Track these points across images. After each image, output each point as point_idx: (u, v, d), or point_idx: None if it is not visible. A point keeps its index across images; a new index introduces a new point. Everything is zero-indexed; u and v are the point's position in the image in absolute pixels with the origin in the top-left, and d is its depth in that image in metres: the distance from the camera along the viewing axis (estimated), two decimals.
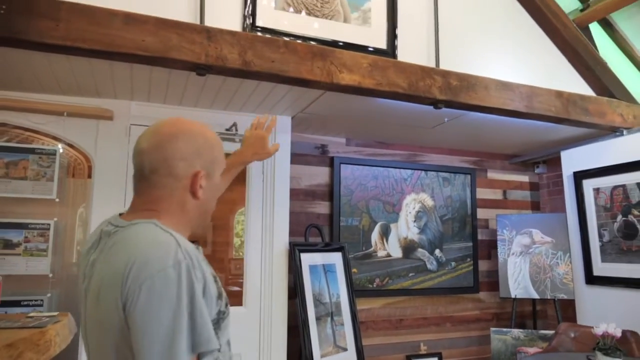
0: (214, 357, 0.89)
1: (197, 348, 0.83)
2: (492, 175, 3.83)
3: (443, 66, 2.54)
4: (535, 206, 3.97)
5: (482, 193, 3.74)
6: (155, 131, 1.02)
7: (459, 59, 2.64)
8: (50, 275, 2.16)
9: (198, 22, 2.06)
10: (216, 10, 2.13)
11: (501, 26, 2.83)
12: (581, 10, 2.97)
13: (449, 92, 2.43)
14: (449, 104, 2.48)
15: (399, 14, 2.52)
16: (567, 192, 3.40)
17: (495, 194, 3.82)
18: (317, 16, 2.34)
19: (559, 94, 2.75)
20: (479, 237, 3.62)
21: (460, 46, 2.67)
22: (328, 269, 2.77)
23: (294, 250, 2.63)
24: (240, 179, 2.85)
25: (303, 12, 2.31)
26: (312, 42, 2.26)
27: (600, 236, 3.16)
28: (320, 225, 3.05)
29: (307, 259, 2.67)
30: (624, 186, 3.04)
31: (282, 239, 2.70)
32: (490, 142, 3.51)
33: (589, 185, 3.24)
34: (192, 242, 0.94)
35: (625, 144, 3.05)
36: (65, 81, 2.21)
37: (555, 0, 2.89)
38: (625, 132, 3.03)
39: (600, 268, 3.15)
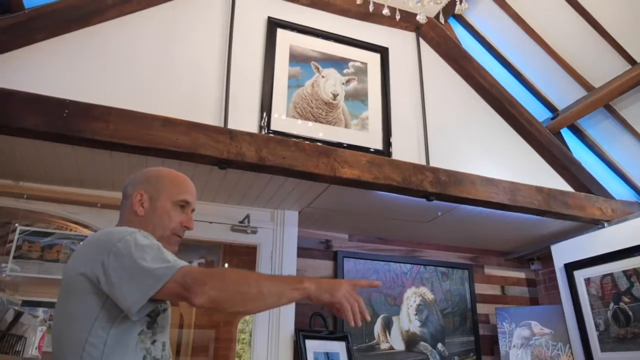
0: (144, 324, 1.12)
1: (177, 264, 1.06)
2: (489, 271, 4.00)
3: (433, 164, 2.89)
4: (534, 302, 4.08)
5: (481, 288, 3.88)
6: None
7: (447, 158, 2.99)
8: None
9: (222, 125, 2.44)
10: (238, 118, 2.52)
11: (483, 131, 3.24)
12: (552, 118, 3.40)
13: (439, 186, 2.74)
14: (440, 197, 2.78)
15: (393, 120, 2.93)
16: (560, 284, 3.55)
17: (494, 290, 3.96)
18: (322, 123, 2.74)
19: (540, 189, 3.06)
20: (481, 332, 3.69)
21: (447, 147, 3.05)
22: (331, 358, 2.85)
23: (299, 336, 2.74)
24: None
25: (310, 120, 2.71)
26: (319, 143, 2.62)
27: (597, 325, 3.26)
28: (324, 316, 3.18)
29: (312, 346, 2.77)
30: (612, 274, 3.21)
31: (288, 326, 2.83)
32: (483, 238, 3.75)
33: (580, 275, 3.41)
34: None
35: (608, 235, 3.28)
36: (104, 176, 2.54)
37: (528, 110, 3.33)
38: (606, 224, 3.29)
39: (601, 358, 3.20)
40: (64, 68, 2.29)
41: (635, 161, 3.29)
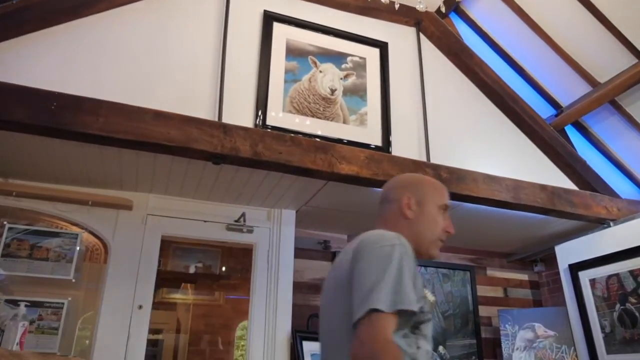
0: (406, 330, 1.05)
1: (396, 305, 0.99)
2: (492, 273, 3.92)
3: (434, 161, 2.81)
4: (538, 304, 4.00)
5: (483, 290, 3.80)
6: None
7: (448, 155, 2.91)
8: (58, 353, 2.21)
9: (216, 120, 2.37)
10: (233, 113, 2.45)
11: (485, 128, 3.17)
12: (556, 115, 3.32)
13: None
14: None
15: (392, 116, 2.85)
16: (565, 285, 3.47)
17: (496, 292, 3.87)
18: (319, 118, 2.67)
19: (543, 187, 2.98)
20: (483, 334, 3.60)
21: (448, 144, 2.97)
22: None
23: (296, 338, 2.66)
24: (245, 283, 2.99)
25: (308, 115, 2.64)
26: (316, 139, 2.55)
27: (602, 327, 3.17)
28: None
29: (309, 348, 2.69)
30: (617, 275, 3.13)
31: (284, 326, 2.75)
32: (486, 239, 3.67)
33: (584, 276, 3.33)
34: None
35: (614, 234, 3.20)
36: (95, 172, 2.47)
37: (531, 107, 3.26)
38: (612, 223, 3.21)
39: None
40: (53, 60, 2.23)
41: None
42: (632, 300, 3.03)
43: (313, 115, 2.65)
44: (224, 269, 4.79)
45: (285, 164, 2.33)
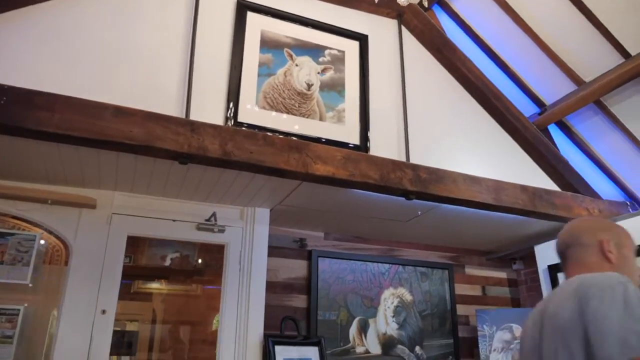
0: None
1: None
2: (470, 271, 3.87)
3: (413, 160, 2.72)
4: (516, 302, 3.97)
5: (461, 289, 3.75)
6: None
7: (428, 154, 2.82)
8: None
9: (183, 116, 2.23)
10: (202, 108, 2.31)
11: (467, 126, 3.08)
12: (539, 114, 3.25)
13: (419, 184, 2.57)
14: (420, 195, 2.61)
15: (371, 114, 2.74)
16: (543, 286, 3.43)
17: (474, 290, 3.83)
18: (294, 115, 2.55)
19: (525, 188, 2.91)
20: (460, 334, 3.56)
21: (429, 143, 2.88)
22: None
23: (268, 343, 2.57)
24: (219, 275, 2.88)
25: (282, 112, 2.52)
26: (290, 137, 2.43)
27: None
28: (297, 319, 3.01)
29: (282, 352, 2.61)
30: None
31: (256, 330, 2.66)
32: (465, 237, 3.61)
33: (563, 278, 3.29)
34: None
35: None
36: (53, 170, 2.31)
37: (514, 105, 3.17)
38: None
39: None
40: (3, 50, 2.06)
41: (624, 160, 3.15)
42: None
43: (288, 111, 2.53)
44: (200, 261, 4.68)
45: (257, 164, 2.21)
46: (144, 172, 2.37)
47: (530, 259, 3.79)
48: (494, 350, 3.34)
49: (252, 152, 2.20)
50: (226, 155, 2.14)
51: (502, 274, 4.01)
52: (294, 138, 2.42)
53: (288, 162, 2.28)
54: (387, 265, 3.45)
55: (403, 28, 3.09)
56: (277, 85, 2.54)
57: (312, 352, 2.78)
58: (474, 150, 3.03)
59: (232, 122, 2.34)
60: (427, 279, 3.57)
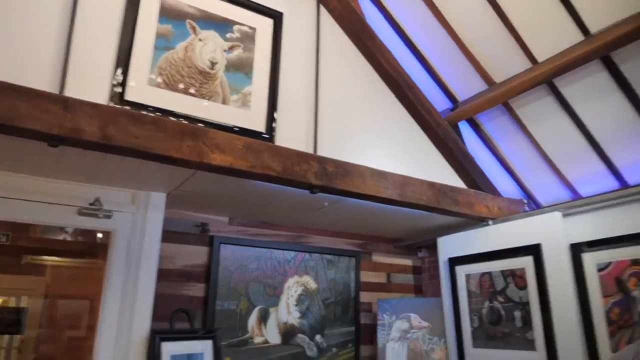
0: None
1: None
2: (377, 258, 3.90)
3: (321, 152, 2.61)
4: (419, 290, 4.07)
5: (367, 276, 3.77)
6: None
7: (337, 146, 2.73)
8: None
9: (57, 92, 1.95)
10: (81, 83, 2.04)
11: (380, 118, 3.01)
12: (451, 110, 3.25)
13: (324, 178, 2.47)
14: (325, 189, 2.52)
15: (280, 100, 2.59)
16: (442, 277, 3.53)
17: (380, 278, 3.87)
18: (194, 95, 2.33)
19: (431, 185, 2.91)
20: (362, 321, 3.60)
21: (339, 134, 2.78)
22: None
23: (155, 339, 2.41)
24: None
25: (179, 92, 2.29)
26: (185, 121, 2.22)
27: (472, 322, 3.27)
28: (191, 310, 2.86)
29: (169, 349, 2.45)
30: (490, 273, 3.21)
31: (142, 326, 2.47)
32: (373, 226, 3.60)
33: (461, 271, 3.39)
34: None
35: (491, 233, 3.26)
36: None
37: (428, 99, 3.15)
38: (491, 222, 3.26)
39: (472, 354, 3.23)
40: None
41: (525, 160, 3.25)
42: (500, 299, 3.13)
43: (186, 91, 2.31)
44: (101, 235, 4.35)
45: (143, 150, 1.99)
46: (10, 148, 2.06)
47: (435, 248, 3.88)
48: (392, 339, 3.40)
49: (138, 137, 1.97)
50: (106, 139, 1.90)
51: (407, 262, 4.09)
52: (191, 122, 2.22)
53: (181, 149, 2.08)
54: (293, 253, 3.37)
55: (322, 8, 2.93)
56: (176, 61, 2.30)
57: (205, 345, 2.66)
58: (386, 143, 2.98)
59: (119, 101, 2.09)
60: (333, 267, 3.54)
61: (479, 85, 3.06)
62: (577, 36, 2.57)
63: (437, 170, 3.15)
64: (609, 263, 2.65)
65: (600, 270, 2.69)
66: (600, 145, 2.86)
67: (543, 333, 2.83)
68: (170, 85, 2.26)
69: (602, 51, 2.49)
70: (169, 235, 2.87)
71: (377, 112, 3.00)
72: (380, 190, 2.66)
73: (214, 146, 2.17)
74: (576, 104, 2.81)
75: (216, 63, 2.41)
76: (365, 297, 3.69)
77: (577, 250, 2.80)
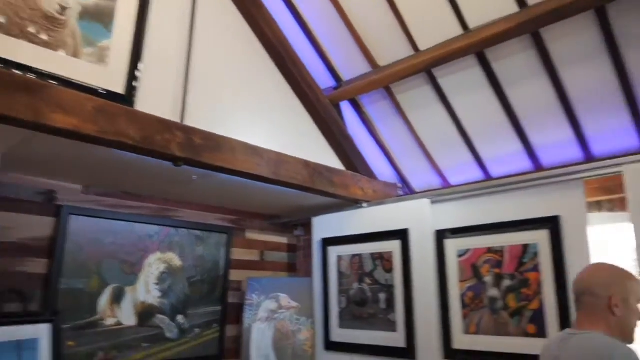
0: None
1: None
2: (251, 235, 3.77)
3: (189, 122, 2.38)
4: (293, 268, 4.03)
5: (239, 254, 3.63)
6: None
7: (209, 117, 2.52)
8: None
9: None
10: None
11: (258, 90, 2.84)
12: (335, 88, 3.17)
13: (190, 150, 2.26)
14: (190, 162, 2.31)
15: (146, 57, 2.29)
16: (315, 257, 3.52)
17: (253, 255, 3.76)
18: (36, 44, 1.96)
19: (307, 164, 2.82)
20: (230, 300, 3.46)
21: (212, 102, 2.57)
22: (26, 347, 2.24)
23: None
24: None
25: (18, 38, 1.91)
26: (21, 72, 1.86)
27: (340, 302, 3.31)
28: (27, 290, 2.50)
29: None
30: (360, 255, 3.25)
31: None
32: (248, 202, 3.46)
33: (333, 252, 3.40)
34: None
35: (364, 216, 3.29)
36: None
37: (311, 76, 3.04)
38: (365, 205, 3.29)
39: (338, 334, 3.27)
40: None
41: (401, 146, 3.30)
42: (368, 281, 3.18)
43: (27, 37, 1.93)
44: None
45: None
46: None
47: (310, 227, 3.85)
48: (259, 319, 3.33)
49: None
50: None
51: (283, 240, 4.02)
52: (30, 75, 1.87)
53: (13, 107, 1.74)
54: (157, 227, 3.11)
55: None
56: (17, 1, 1.91)
57: (41, 330, 2.34)
58: (263, 118, 2.82)
59: None
60: (202, 243, 3.34)
61: (364, 67, 3.02)
62: (457, 29, 2.61)
63: (315, 149, 3.08)
64: (468, 250, 2.79)
65: (459, 256, 2.83)
66: (470, 137, 2.97)
67: (404, 315, 2.93)
68: (7, 29, 1.87)
69: (477, 47, 2.55)
70: (4, 202, 2.47)
71: (256, 83, 2.83)
72: (252, 167, 2.51)
73: (55, 105, 1.85)
74: (451, 96, 2.88)
75: (67, 8, 2.05)
76: (236, 275, 3.55)
77: (441, 236, 2.92)
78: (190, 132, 2.28)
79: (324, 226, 3.50)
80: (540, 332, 2.43)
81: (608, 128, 2.53)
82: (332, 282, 3.38)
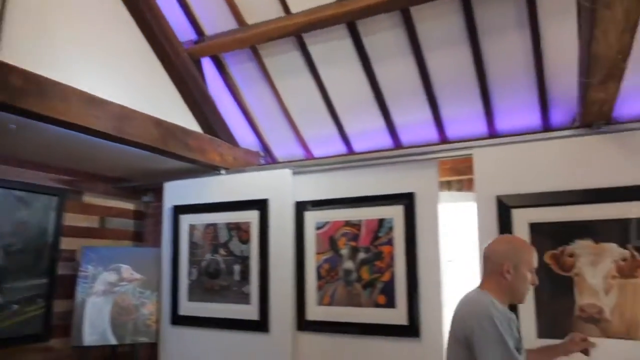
0: None
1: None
2: (90, 199, 3.32)
3: (6, 58, 1.91)
4: (139, 237, 3.67)
5: (74, 219, 3.17)
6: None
7: (36, 56, 2.07)
8: None
9: None
10: None
11: (104, 33, 2.44)
12: (196, 42, 2.87)
13: (5, 93, 1.82)
14: (6, 108, 1.87)
15: None
16: (165, 226, 3.23)
17: (91, 222, 3.31)
18: None
19: (159, 123, 2.51)
20: (61, 271, 3.01)
21: (40, 40, 2.12)
22: None
23: None
24: None
25: None
26: None
27: (190, 274, 3.09)
28: None
29: None
30: (215, 225, 3.05)
31: None
32: (87, 161, 3.02)
33: (186, 220, 3.15)
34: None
35: (223, 184, 3.09)
36: None
37: (170, 25, 2.69)
38: (223, 172, 3.08)
39: (186, 307, 3.06)
40: None
41: (266, 112, 3.13)
42: (222, 252, 3.00)
43: None
44: None
45: None
46: None
47: (161, 193, 3.52)
48: (95, 293, 2.96)
49: None
50: None
51: (128, 205, 3.62)
52: None
53: None
54: None
55: None
56: None
57: None
58: (109, 65, 2.44)
59: None
60: (26, 207, 2.83)
61: (230, 23, 2.76)
62: None
63: (170, 108, 2.77)
64: (327, 222, 2.77)
65: (318, 228, 2.79)
66: (336, 110, 2.92)
67: (259, 287, 2.83)
68: None
69: (349, 16, 2.47)
70: None
71: (102, 24, 2.42)
72: (90, 120, 2.14)
73: None
74: (320, 65, 2.78)
75: None
76: (69, 243, 3.10)
77: (301, 208, 2.85)
78: (7, 71, 1.83)
79: (177, 193, 3.22)
80: (390, 303, 2.50)
81: (462, 113, 2.66)
82: (182, 252, 3.13)
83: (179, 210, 3.17)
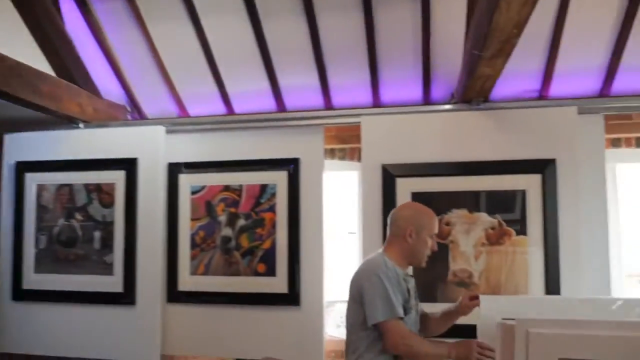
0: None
1: (393, 315, 1.63)
2: None
3: None
4: None
5: None
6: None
7: None
8: None
9: None
10: None
11: None
12: None
13: None
14: None
15: None
16: (5, 185, 2.75)
17: None
18: None
19: (3, 59, 2.07)
20: None
21: None
22: None
23: None
24: None
25: None
26: None
27: (37, 242, 2.67)
28: None
29: None
30: (71, 186, 2.67)
31: None
32: None
33: (32, 180, 2.71)
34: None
35: (81, 139, 2.71)
36: None
37: None
38: (82, 125, 2.69)
39: (33, 280, 2.66)
40: None
41: (136, 62, 2.78)
42: (79, 217, 2.65)
43: None
44: None
45: None
46: None
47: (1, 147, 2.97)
48: None
49: None
50: None
51: None
52: None
53: None
54: None
55: None
56: None
57: None
58: None
59: None
60: None
61: None
62: None
63: (16, 43, 2.33)
64: (203, 187, 2.59)
65: (193, 193, 2.60)
66: (217, 66, 2.70)
67: (123, 256, 2.57)
68: None
69: None
70: None
71: None
72: None
73: None
74: (203, 14, 2.52)
75: None
76: None
77: (174, 170, 2.63)
78: None
79: (22, 146, 2.75)
80: (270, 271, 2.44)
81: (349, 81, 2.63)
82: (28, 217, 2.70)
83: (24, 167, 2.71)
